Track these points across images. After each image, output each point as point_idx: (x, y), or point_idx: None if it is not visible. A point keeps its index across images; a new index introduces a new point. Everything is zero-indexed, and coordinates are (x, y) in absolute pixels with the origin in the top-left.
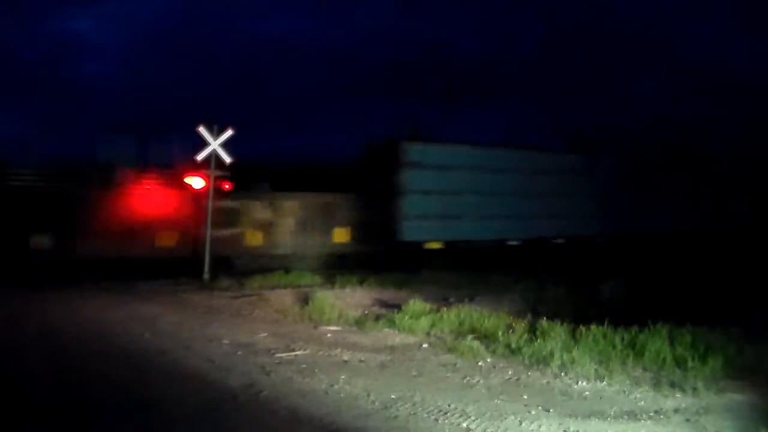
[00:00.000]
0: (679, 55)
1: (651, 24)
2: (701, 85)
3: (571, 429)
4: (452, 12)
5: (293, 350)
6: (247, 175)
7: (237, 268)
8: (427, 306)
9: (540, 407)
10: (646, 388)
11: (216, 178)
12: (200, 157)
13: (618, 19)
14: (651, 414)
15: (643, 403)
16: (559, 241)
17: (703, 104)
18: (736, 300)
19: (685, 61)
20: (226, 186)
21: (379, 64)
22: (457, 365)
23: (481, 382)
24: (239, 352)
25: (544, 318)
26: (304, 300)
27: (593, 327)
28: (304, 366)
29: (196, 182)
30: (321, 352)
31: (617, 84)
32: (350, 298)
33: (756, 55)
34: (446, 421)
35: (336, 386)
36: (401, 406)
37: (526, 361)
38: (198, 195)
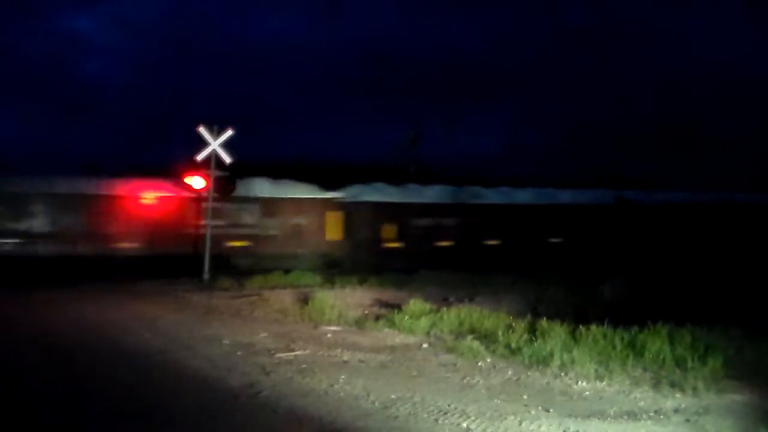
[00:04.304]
0: (680, 56)
1: (652, 23)
2: (702, 85)
3: (571, 429)
4: (453, 12)
5: (293, 350)
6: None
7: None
8: (427, 306)
9: (540, 407)
10: (646, 388)
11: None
12: (200, 157)
13: (619, 19)
14: (651, 414)
15: (643, 403)
16: None
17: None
18: (736, 300)
19: (686, 61)
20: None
21: (380, 65)
22: (457, 365)
23: (481, 382)
24: (239, 352)
25: (544, 318)
26: (304, 300)
27: (593, 327)
28: (304, 366)
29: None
30: (321, 352)
31: (618, 84)
32: (350, 298)
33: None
34: (446, 421)
35: (336, 386)
36: (401, 406)
37: (526, 361)
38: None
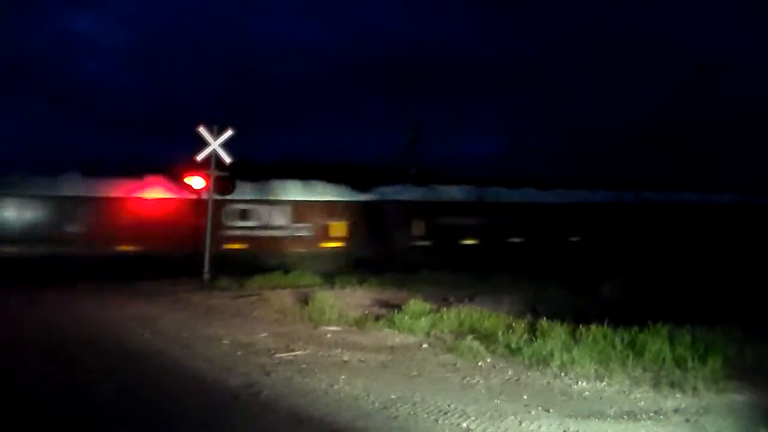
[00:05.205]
0: (681, 55)
1: (652, 23)
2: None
3: (571, 429)
4: (453, 12)
5: (293, 350)
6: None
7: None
8: (427, 306)
9: (540, 407)
10: (646, 388)
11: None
12: (200, 157)
13: (619, 19)
14: (651, 414)
15: (643, 403)
16: None
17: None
18: (736, 300)
19: (687, 61)
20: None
21: (380, 64)
22: (457, 365)
23: (481, 382)
24: (239, 352)
25: (544, 318)
26: (304, 300)
27: (593, 327)
28: (304, 366)
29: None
30: (321, 352)
31: (618, 84)
32: (350, 298)
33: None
34: (446, 421)
35: (336, 386)
36: (401, 406)
37: (526, 361)
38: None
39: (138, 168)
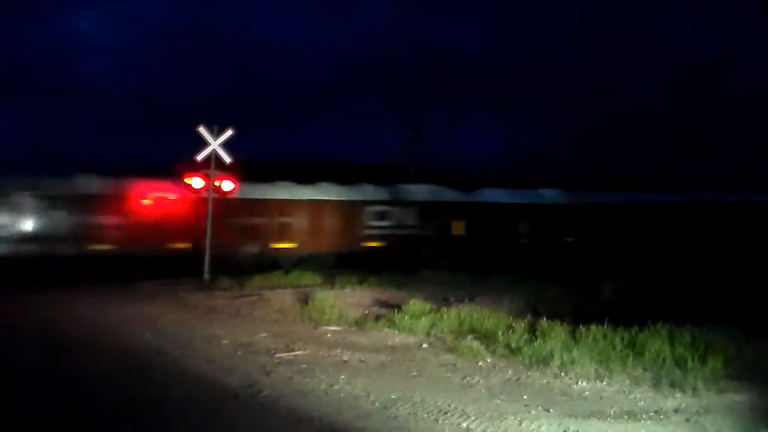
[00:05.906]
0: (683, 55)
1: (654, 24)
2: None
3: (571, 429)
4: (454, 14)
5: (293, 350)
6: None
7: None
8: (427, 306)
9: (540, 407)
10: (646, 388)
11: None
12: (200, 157)
13: (620, 20)
14: (651, 414)
15: (643, 403)
16: None
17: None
18: (736, 300)
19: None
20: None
21: (381, 67)
22: (457, 365)
23: (481, 382)
24: (239, 352)
25: (544, 318)
26: (304, 300)
27: (593, 327)
28: (304, 366)
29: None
30: (321, 352)
31: (619, 85)
32: (350, 298)
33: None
34: (446, 421)
35: (336, 386)
36: (401, 406)
37: (526, 361)
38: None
39: (136, 169)
